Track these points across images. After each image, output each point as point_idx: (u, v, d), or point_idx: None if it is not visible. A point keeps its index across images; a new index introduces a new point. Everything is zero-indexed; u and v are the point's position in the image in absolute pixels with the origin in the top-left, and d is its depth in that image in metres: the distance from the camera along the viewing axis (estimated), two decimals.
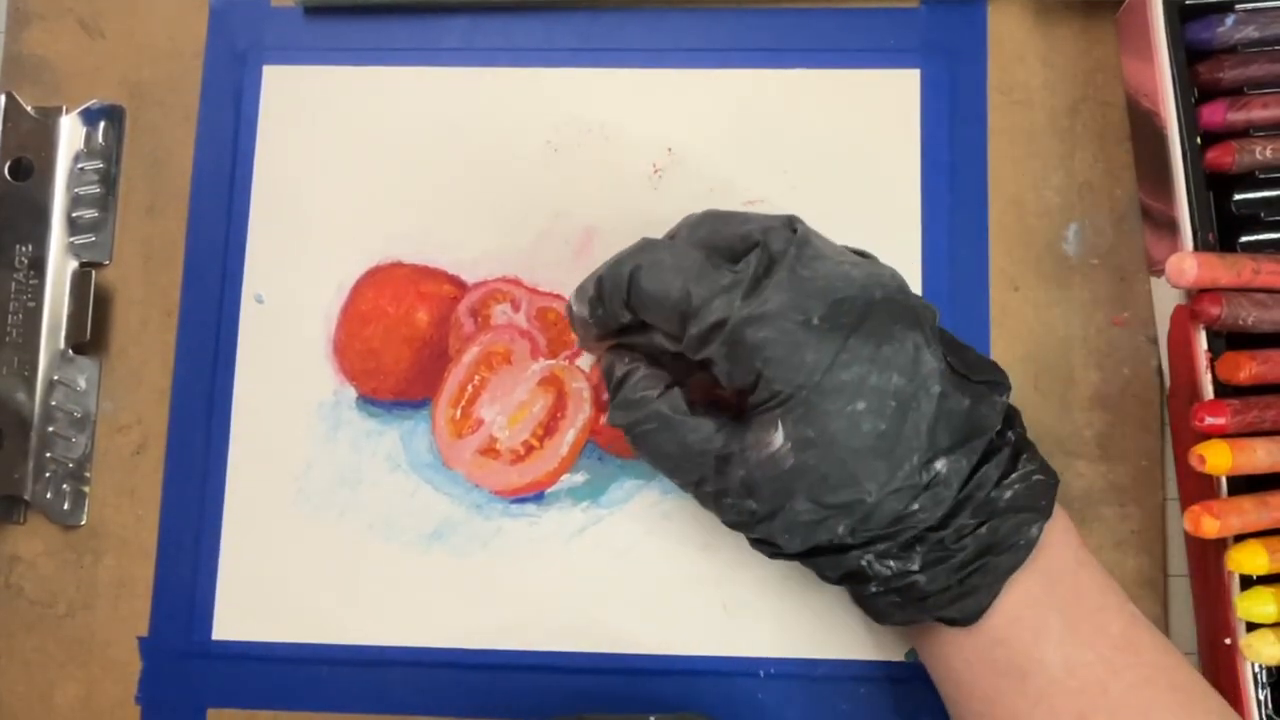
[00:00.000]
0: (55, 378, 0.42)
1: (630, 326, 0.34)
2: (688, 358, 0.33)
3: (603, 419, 0.37)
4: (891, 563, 0.32)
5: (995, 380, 0.32)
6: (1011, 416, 0.33)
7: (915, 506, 0.31)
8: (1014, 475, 0.32)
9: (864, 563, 0.32)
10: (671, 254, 0.32)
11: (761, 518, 0.32)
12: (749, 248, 0.32)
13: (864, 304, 0.31)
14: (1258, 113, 0.36)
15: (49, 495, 0.41)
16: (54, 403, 0.42)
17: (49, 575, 0.41)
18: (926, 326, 0.31)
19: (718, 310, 0.31)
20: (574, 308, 0.35)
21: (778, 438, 0.30)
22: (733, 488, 0.32)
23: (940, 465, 0.31)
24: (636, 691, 0.40)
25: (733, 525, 0.33)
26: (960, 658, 0.33)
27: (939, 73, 0.42)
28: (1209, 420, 0.34)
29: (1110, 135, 0.41)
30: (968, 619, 0.32)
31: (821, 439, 0.30)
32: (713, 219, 0.34)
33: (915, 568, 0.31)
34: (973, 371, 0.32)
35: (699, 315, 0.31)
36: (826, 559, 0.32)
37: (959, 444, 0.31)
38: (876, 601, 0.33)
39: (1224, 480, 0.35)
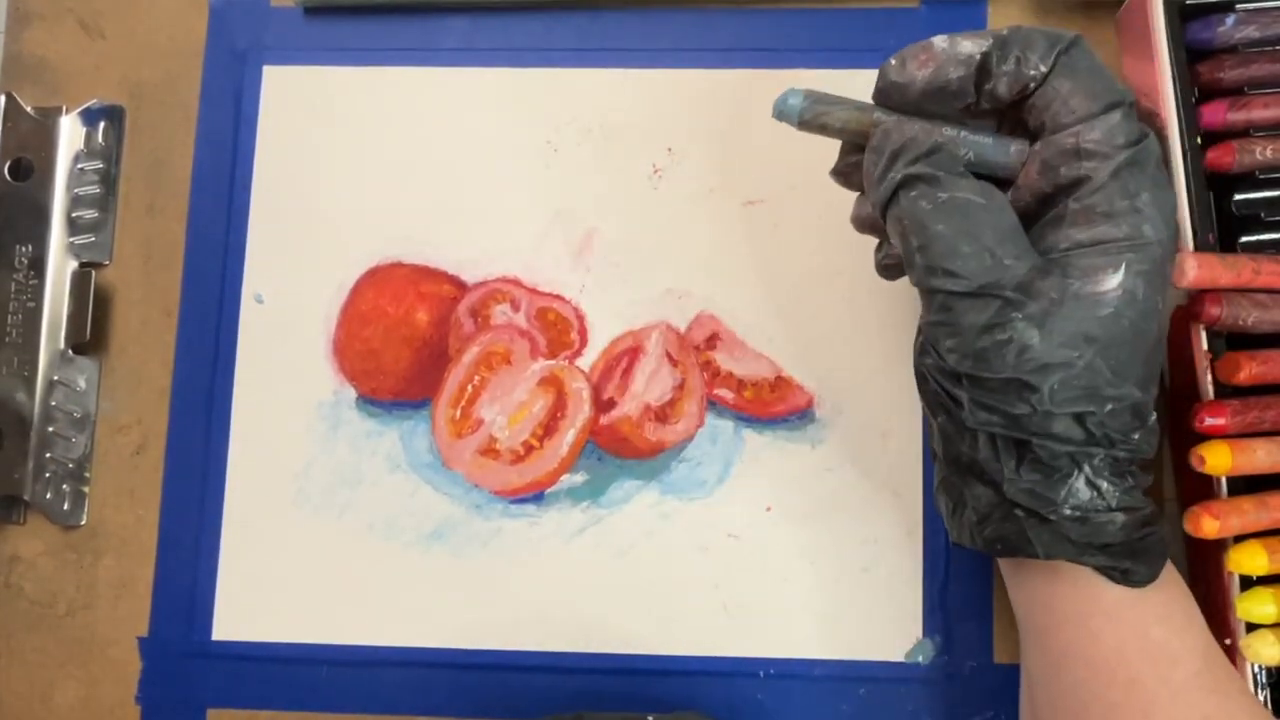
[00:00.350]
0: (55, 378, 0.42)
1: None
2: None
3: (853, 211, 0.34)
4: (1104, 483, 0.30)
5: None
6: None
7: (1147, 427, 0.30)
8: None
9: (1086, 469, 0.30)
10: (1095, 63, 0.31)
11: (1034, 362, 0.29)
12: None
13: None
14: (1258, 113, 0.36)
15: (49, 495, 0.41)
16: (54, 403, 0.42)
17: (49, 575, 0.41)
18: None
19: (1138, 129, 0.30)
20: (940, 42, 0.31)
21: (1114, 280, 0.29)
22: (1028, 312, 0.29)
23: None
24: (636, 691, 0.40)
25: (977, 358, 0.30)
26: (1115, 635, 0.31)
27: None
28: (1209, 421, 0.34)
29: None
30: (1143, 579, 0.30)
31: (1148, 310, 0.29)
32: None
33: (1113, 504, 0.30)
34: None
35: (1126, 124, 0.30)
36: (1049, 443, 0.30)
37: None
38: (1056, 528, 0.30)
39: (1224, 481, 0.35)
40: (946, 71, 0.31)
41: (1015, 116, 0.32)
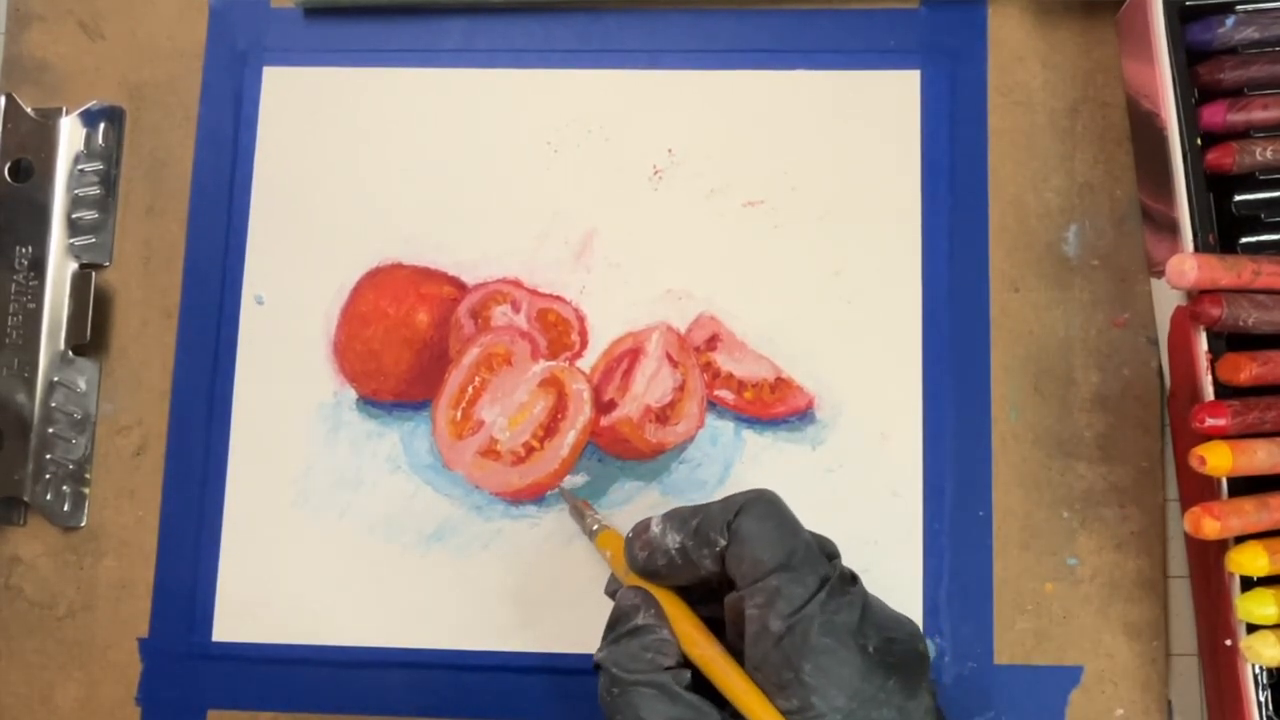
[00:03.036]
0: (55, 379, 0.42)
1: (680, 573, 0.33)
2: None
3: (598, 654, 0.34)
4: None
5: None
6: None
7: None
8: None
9: None
10: (782, 518, 0.32)
11: None
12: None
13: (909, 652, 0.32)
14: (1258, 114, 0.36)
15: (49, 497, 0.41)
16: (54, 404, 0.42)
17: (49, 577, 0.41)
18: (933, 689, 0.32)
19: (802, 593, 0.31)
20: (655, 529, 0.33)
21: None
22: None
23: None
24: None
25: None
26: None
27: (939, 74, 0.42)
28: (1209, 421, 0.34)
29: (1110, 136, 0.41)
30: None
31: None
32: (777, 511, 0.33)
33: None
34: None
35: (787, 589, 0.31)
36: None
37: None
38: None
39: (1224, 481, 0.35)
40: (656, 560, 0.33)
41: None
